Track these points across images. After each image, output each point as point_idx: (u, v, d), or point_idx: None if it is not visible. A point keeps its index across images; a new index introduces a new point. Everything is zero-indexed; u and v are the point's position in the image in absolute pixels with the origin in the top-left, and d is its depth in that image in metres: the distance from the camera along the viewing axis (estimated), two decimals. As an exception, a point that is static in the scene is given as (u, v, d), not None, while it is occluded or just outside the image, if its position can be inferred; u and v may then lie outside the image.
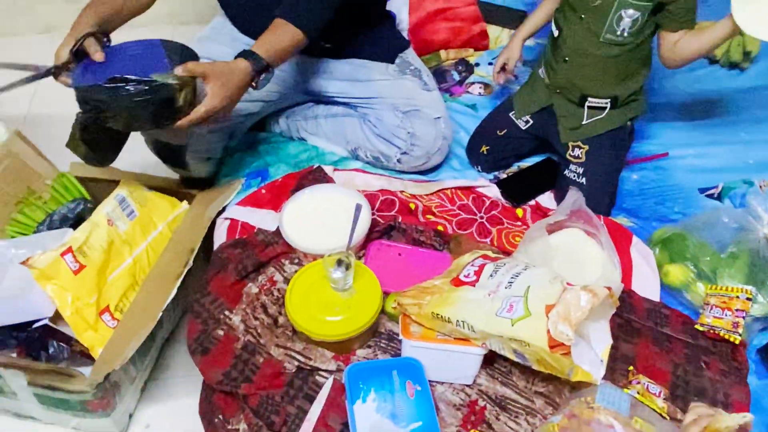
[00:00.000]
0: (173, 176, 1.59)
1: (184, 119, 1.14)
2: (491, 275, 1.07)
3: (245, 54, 1.18)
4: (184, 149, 1.43)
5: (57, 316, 1.26)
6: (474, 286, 1.06)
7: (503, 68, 1.53)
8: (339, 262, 1.09)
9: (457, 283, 1.08)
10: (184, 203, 1.48)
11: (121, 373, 1.26)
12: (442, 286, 1.09)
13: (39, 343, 1.26)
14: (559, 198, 1.42)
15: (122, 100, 1.10)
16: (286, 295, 1.12)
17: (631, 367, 1.12)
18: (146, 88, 1.09)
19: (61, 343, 1.27)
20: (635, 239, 1.32)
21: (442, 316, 1.02)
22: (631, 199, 1.45)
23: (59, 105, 2.09)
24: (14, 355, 1.26)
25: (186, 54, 1.21)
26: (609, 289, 0.96)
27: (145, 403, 1.41)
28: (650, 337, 1.16)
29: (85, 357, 1.27)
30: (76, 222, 1.31)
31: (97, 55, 1.17)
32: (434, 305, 1.04)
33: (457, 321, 1.01)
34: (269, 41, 1.21)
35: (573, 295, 0.94)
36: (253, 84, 1.20)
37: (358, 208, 1.18)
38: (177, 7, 2.40)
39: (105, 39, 1.22)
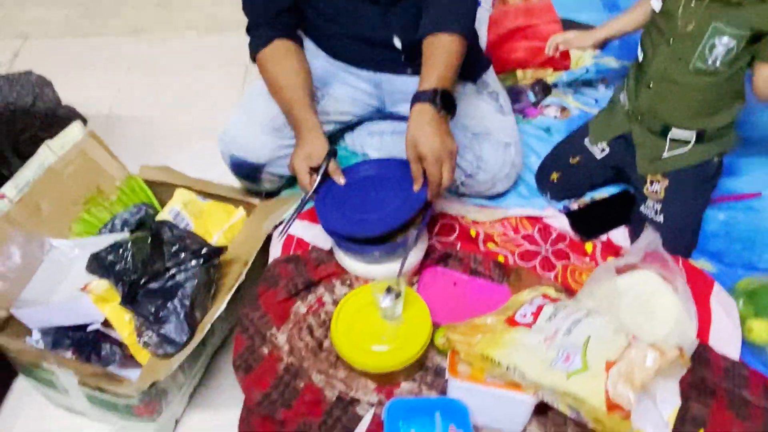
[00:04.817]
0: (235, 183, 1.60)
1: (434, 192, 1.13)
2: (549, 318, 0.99)
3: (415, 98, 1.15)
4: (262, 167, 1.41)
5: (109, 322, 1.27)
6: (530, 328, 0.99)
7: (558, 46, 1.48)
8: (388, 290, 1.05)
9: (512, 323, 1.01)
10: (240, 209, 1.48)
11: (169, 380, 1.26)
12: (496, 325, 1.02)
13: (92, 346, 1.28)
14: (634, 235, 1.31)
15: None
16: (332, 320, 1.09)
17: (702, 431, 1.01)
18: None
19: (114, 347, 1.29)
20: (717, 287, 1.20)
21: (492, 359, 0.96)
22: (716, 241, 1.33)
23: (140, 106, 2.17)
24: (69, 354, 1.28)
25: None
26: (680, 349, 0.86)
27: (193, 409, 1.40)
28: (726, 400, 1.05)
29: (137, 361, 1.28)
30: (137, 227, 1.33)
31: (341, 180, 1.23)
32: (485, 345, 0.98)
33: (508, 366, 0.94)
34: (431, 68, 1.17)
35: (638, 352, 0.86)
36: (439, 112, 1.14)
37: (412, 233, 1.13)
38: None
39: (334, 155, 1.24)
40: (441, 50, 1.18)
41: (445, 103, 1.14)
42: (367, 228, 1.14)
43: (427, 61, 1.18)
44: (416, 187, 1.14)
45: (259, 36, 1.34)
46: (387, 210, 1.15)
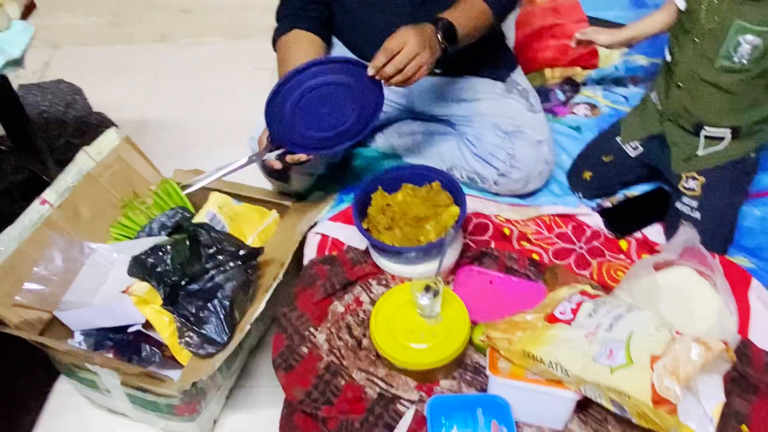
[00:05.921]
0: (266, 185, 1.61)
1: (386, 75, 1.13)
2: (590, 315, 1.00)
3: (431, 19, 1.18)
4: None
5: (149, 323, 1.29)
6: (570, 324, 0.99)
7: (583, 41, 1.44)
8: (427, 288, 1.06)
9: (552, 320, 1.02)
10: (273, 212, 1.50)
11: (208, 381, 1.28)
12: (535, 322, 1.03)
13: (132, 347, 1.30)
14: (669, 232, 1.31)
15: None
16: (371, 318, 1.10)
17: (744, 426, 1.01)
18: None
19: (154, 348, 1.31)
20: (755, 282, 1.20)
21: (533, 355, 0.96)
22: (752, 237, 1.32)
23: (169, 111, 2.20)
24: (110, 355, 1.30)
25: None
26: (725, 343, 0.86)
27: (230, 409, 1.43)
28: (768, 395, 1.04)
29: (176, 362, 1.30)
30: (173, 230, 1.35)
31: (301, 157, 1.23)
32: (526, 342, 0.98)
33: (550, 362, 0.94)
34: (456, 11, 1.21)
35: (683, 346, 0.86)
36: (441, 43, 1.17)
37: (449, 233, 1.13)
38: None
39: None
40: (469, 6, 1.23)
41: (446, 34, 1.18)
42: (330, 144, 1.19)
43: (451, 10, 1.22)
44: (371, 70, 1.12)
45: (283, 24, 1.37)
46: (345, 126, 1.19)
